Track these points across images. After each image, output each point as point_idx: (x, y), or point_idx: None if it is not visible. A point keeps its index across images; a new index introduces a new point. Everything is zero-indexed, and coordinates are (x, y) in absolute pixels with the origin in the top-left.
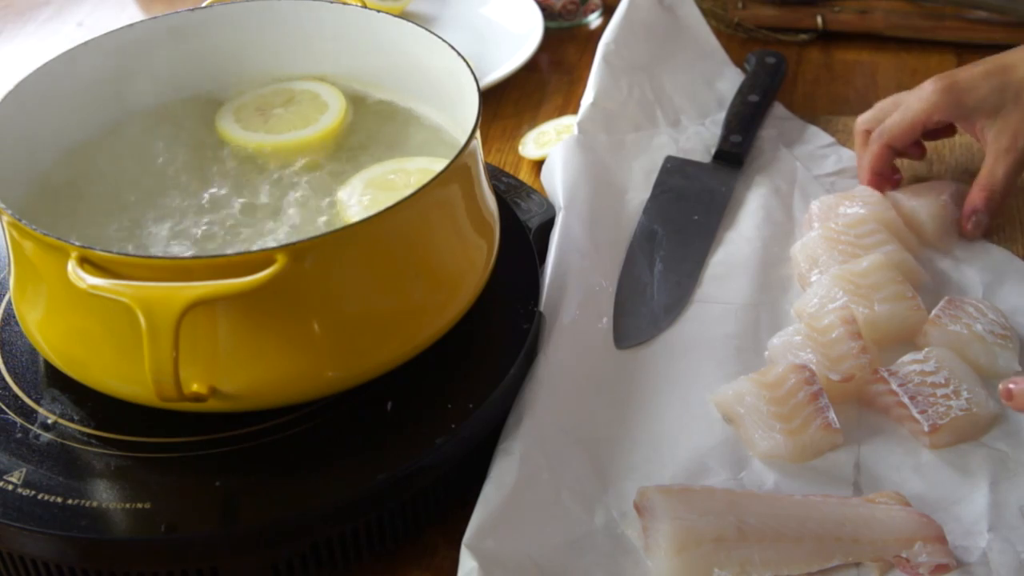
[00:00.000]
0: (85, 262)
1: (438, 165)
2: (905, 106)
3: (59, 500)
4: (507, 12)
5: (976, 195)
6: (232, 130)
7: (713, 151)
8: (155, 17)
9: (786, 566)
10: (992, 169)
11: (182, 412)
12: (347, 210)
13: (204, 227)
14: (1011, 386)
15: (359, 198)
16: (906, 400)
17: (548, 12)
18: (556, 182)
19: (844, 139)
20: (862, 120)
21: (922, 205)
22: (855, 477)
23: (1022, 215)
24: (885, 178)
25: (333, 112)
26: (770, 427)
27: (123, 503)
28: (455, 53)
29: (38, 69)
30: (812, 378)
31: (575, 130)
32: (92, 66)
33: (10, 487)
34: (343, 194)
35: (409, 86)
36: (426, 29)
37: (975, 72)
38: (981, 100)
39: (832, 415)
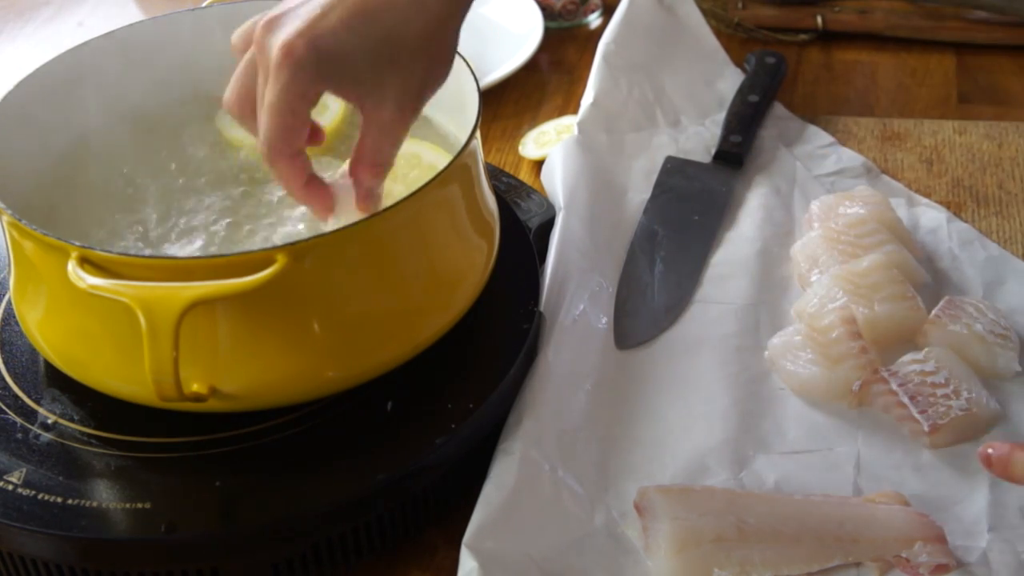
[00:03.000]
0: (85, 262)
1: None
2: (269, 108)
3: (59, 500)
4: (507, 12)
5: (366, 172)
6: (232, 130)
7: (713, 151)
8: (155, 17)
9: (786, 566)
10: (378, 144)
11: (182, 412)
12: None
13: (204, 226)
14: (989, 451)
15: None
16: (906, 400)
17: (548, 12)
18: (556, 182)
19: (844, 139)
20: (228, 104)
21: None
22: (855, 477)
23: (1022, 215)
24: (320, 186)
25: (332, 112)
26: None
27: (123, 503)
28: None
29: (38, 69)
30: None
31: (575, 130)
32: (92, 66)
33: (10, 487)
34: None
35: None
36: None
37: (334, 23)
38: (357, 70)
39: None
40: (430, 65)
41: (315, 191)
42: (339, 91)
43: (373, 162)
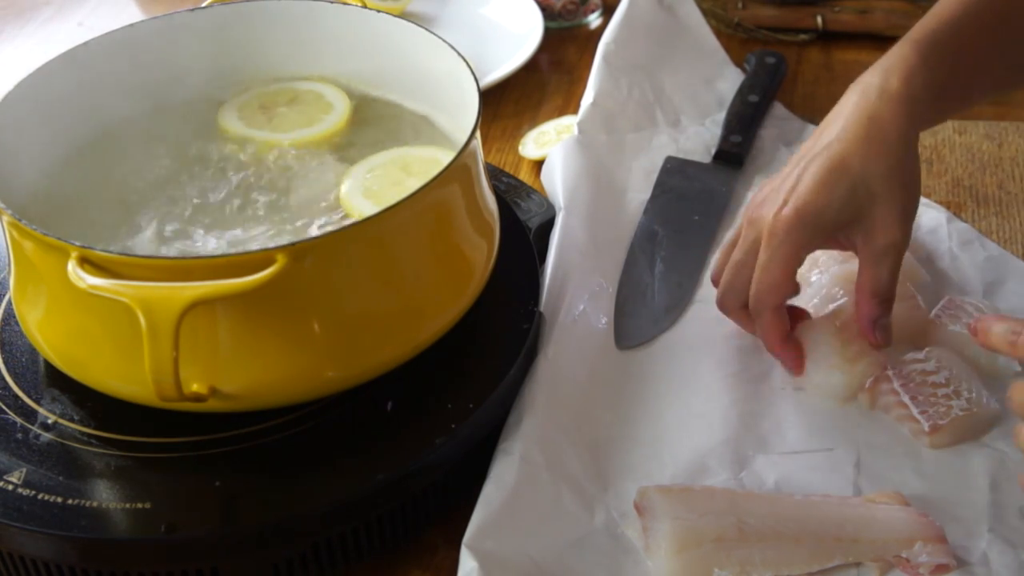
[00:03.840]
0: (85, 262)
1: (440, 154)
2: (762, 267)
3: (59, 500)
4: (507, 12)
5: (871, 306)
6: (235, 127)
7: (713, 151)
8: (155, 17)
9: (786, 566)
10: (876, 274)
11: (182, 412)
12: (351, 202)
13: (205, 226)
14: (976, 324)
15: (362, 188)
16: (906, 400)
17: (548, 12)
18: (556, 182)
19: None
20: (724, 300)
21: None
22: (855, 477)
23: (1022, 215)
24: (795, 344)
25: (337, 112)
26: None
27: (123, 503)
28: (455, 53)
29: (38, 69)
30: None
31: (575, 130)
32: (92, 66)
33: (10, 487)
34: (345, 185)
35: (409, 86)
36: (426, 29)
37: (814, 186)
38: (838, 217)
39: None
40: (903, 192)
41: (791, 348)
42: (830, 244)
43: (874, 292)
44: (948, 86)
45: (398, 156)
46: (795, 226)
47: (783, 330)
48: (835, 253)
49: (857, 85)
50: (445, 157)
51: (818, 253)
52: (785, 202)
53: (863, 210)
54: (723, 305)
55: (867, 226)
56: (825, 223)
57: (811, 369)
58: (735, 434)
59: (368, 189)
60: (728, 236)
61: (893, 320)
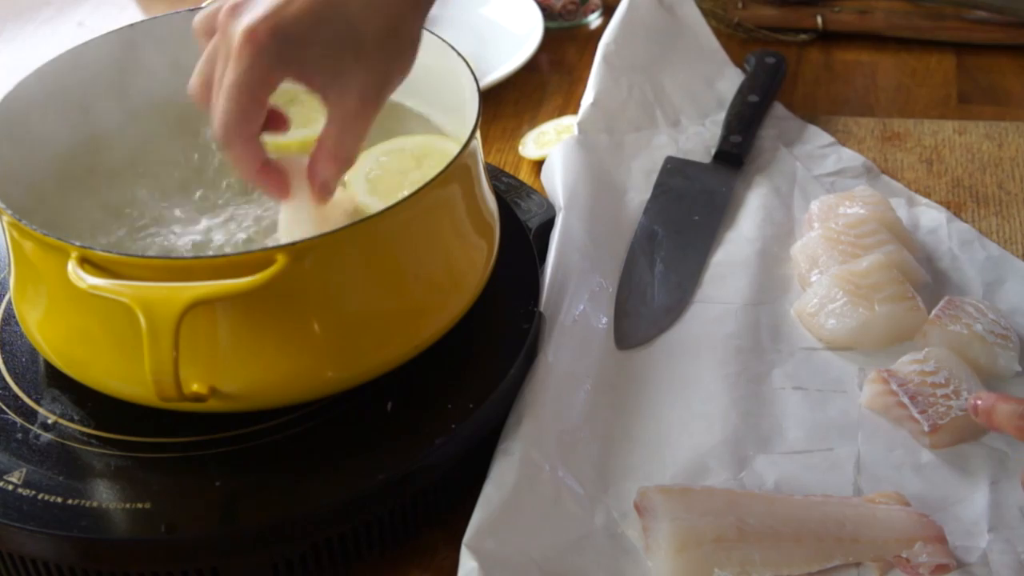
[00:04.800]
0: (85, 262)
1: (437, 141)
2: (226, 84)
3: (59, 500)
4: (507, 12)
5: (327, 166)
6: None
7: (713, 151)
8: (155, 17)
9: (786, 566)
10: (340, 135)
11: (182, 412)
12: (357, 195)
13: (206, 225)
14: (977, 402)
15: (365, 182)
16: (906, 400)
17: (548, 12)
18: (556, 182)
19: (844, 139)
20: (193, 89)
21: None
22: (855, 477)
23: (1022, 216)
24: (275, 170)
25: None
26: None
27: (123, 503)
28: (455, 53)
29: (38, 69)
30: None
31: (575, 130)
32: (92, 66)
33: (10, 487)
34: (348, 179)
35: (409, 86)
36: (426, 29)
37: (297, 11)
38: (318, 58)
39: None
40: (392, 57)
41: (270, 175)
42: (301, 78)
43: (334, 154)
44: None
45: (395, 147)
46: (271, 48)
47: (256, 161)
48: (835, 253)
49: None
50: (448, 145)
51: (818, 252)
52: (264, 18)
53: (345, 63)
54: (224, 136)
55: (345, 81)
56: (305, 58)
57: (838, 323)
58: (735, 434)
59: (373, 183)
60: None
61: (893, 320)
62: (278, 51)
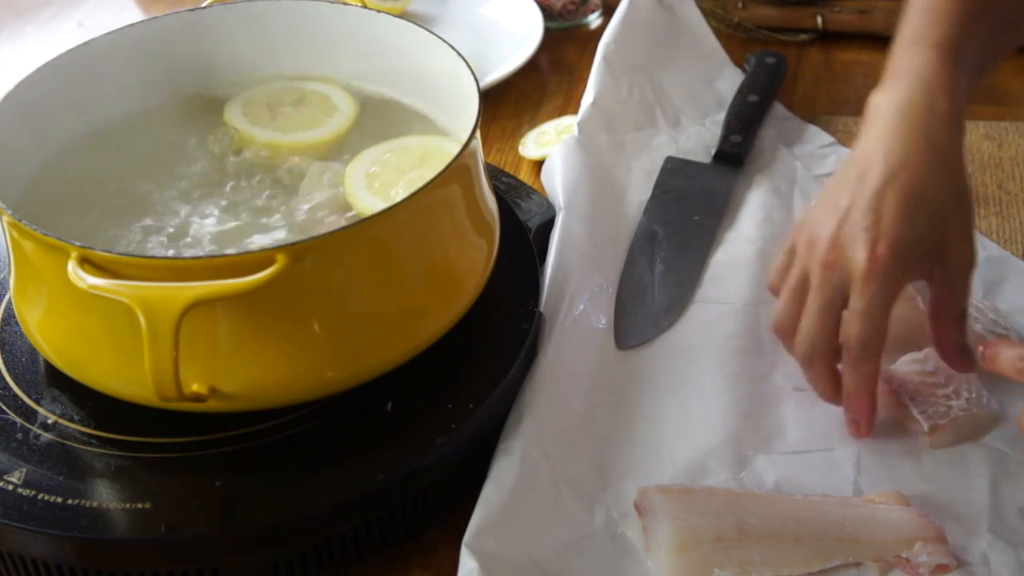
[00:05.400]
0: (85, 262)
1: (441, 143)
2: (864, 313)
3: (59, 500)
4: (507, 12)
5: (954, 331)
6: (240, 124)
7: (713, 151)
8: (155, 17)
9: (786, 566)
10: (956, 298)
11: (182, 412)
12: (354, 192)
13: (206, 225)
14: (981, 347)
15: (365, 177)
16: (906, 400)
17: (548, 12)
18: (556, 182)
19: (844, 139)
20: (813, 352)
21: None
22: (855, 477)
23: (1022, 216)
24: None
25: (342, 116)
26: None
27: (123, 503)
28: (455, 53)
29: (38, 69)
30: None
31: (575, 130)
32: (92, 66)
33: (10, 487)
34: (348, 175)
35: (409, 86)
36: (426, 29)
37: (899, 220)
38: (926, 249)
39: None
40: (969, 211)
41: (872, 402)
42: (916, 278)
43: (954, 316)
44: (974, 86)
45: (399, 146)
46: (892, 265)
47: (877, 377)
48: None
49: (892, 103)
50: (450, 146)
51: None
52: (875, 240)
53: (942, 237)
54: (811, 357)
55: (945, 252)
56: (916, 257)
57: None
58: (735, 434)
59: (371, 180)
60: (774, 270)
61: (893, 320)
62: (898, 266)
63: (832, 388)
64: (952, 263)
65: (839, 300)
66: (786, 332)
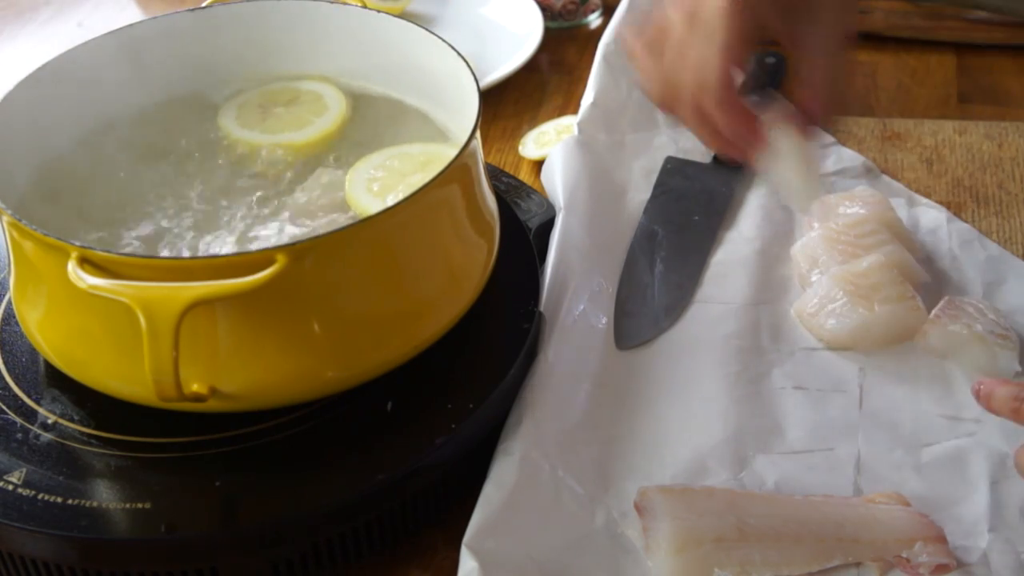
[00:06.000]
0: (85, 262)
1: (442, 149)
2: (700, 50)
3: (59, 500)
4: (507, 12)
5: (827, 104)
6: (233, 126)
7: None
8: (155, 17)
9: (786, 566)
10: (831, 64)
11: (182, 412)
12: (355, 197)
13: (204, 226)
14: (979, 387)
15: (366, 182)
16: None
17: (548, 12)
18: (556, 182)
19: (844, 139)
20: (669, 94)
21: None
22: (855, 477)
23: (1022, 216)
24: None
25: (331, 115)
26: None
27: (123, 503)
28: (455, 53)
29: (38, 69)
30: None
31: (575, 130)
32: (92, 66)
33: (10, 487)
34: (349, 180)
35: (409, 86)
36: (426, 29)
37: None
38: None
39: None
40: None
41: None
42: (771, 33)
43: (831, 85)
44: None
45: (401, 152)
46: (734, 8)
47: (749, 114)
48: (835, 253)
49: None
50: (451, 152)
51: (818, 252)
52: None
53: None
54: (674, 97)
55: (813, 7)
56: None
57: (839, 323)
58: (735, 434)
59: (372, 185)
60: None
61: (893, 320)
62: (756, 4)
63: (701, 125)
64: (825, 25)
65: (695, 39)
66: (646, 78)
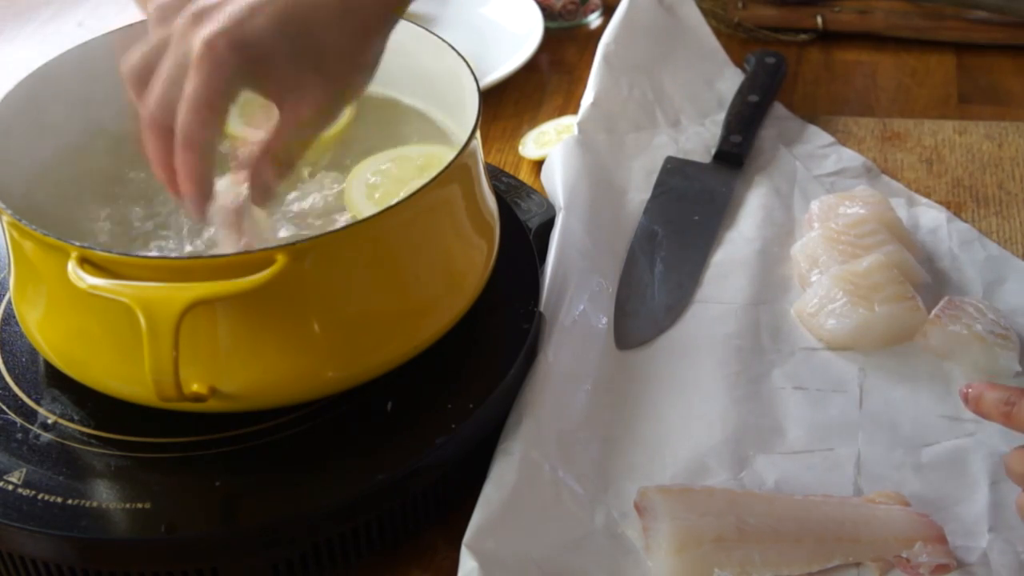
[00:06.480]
0: (85, 262)
1: (442, 152)
2: (187, 94)
3: (59, 500)
4: (507, 12)
5: (269, 168)
6: (235, 125)
7: (713, 151)
8: None
9: (786, 566)
10: (289, 144)
11: (182, 412)
12: (355, 200)
13: (205, 225)
14: (968, 390)
15: (366, 187)
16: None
17: (548, 12)
18: (556, 182)
19: (844, 139)
20: (155, 117)
21: None
22: (855, 477)
23: (1022, 216)
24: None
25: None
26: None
27: (123, 503)
28: (455, 53)
29: (38, 69)
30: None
31: (575, 130)
32: (92, 66)
33: (10, 487)
34: (349, 184)
35: (409, 86)
36: (426, 29)
37: (262, 24)
38: (280, 68)
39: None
40: (352, 74)
41: (204, 190)
42: (259, 90)
43: (280, 160)
44: None
45: (400, 155)
46: (230, 62)
47: (206, 171)
48: (835, 253)
49: None
50: (449, 155)
51: (818, 252)
52: (225, 31)
53: (305, 76)
54: (154, 122)
55: (302, 93)
56: (266, 72)
57: (839, 323)
58: (735, 434)
59: (372, 190)
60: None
61: (893, 320)
62: (238, 64)
63: (161, 166)
64: (303, 105)
65: (182, 75)
66: (132, 83)
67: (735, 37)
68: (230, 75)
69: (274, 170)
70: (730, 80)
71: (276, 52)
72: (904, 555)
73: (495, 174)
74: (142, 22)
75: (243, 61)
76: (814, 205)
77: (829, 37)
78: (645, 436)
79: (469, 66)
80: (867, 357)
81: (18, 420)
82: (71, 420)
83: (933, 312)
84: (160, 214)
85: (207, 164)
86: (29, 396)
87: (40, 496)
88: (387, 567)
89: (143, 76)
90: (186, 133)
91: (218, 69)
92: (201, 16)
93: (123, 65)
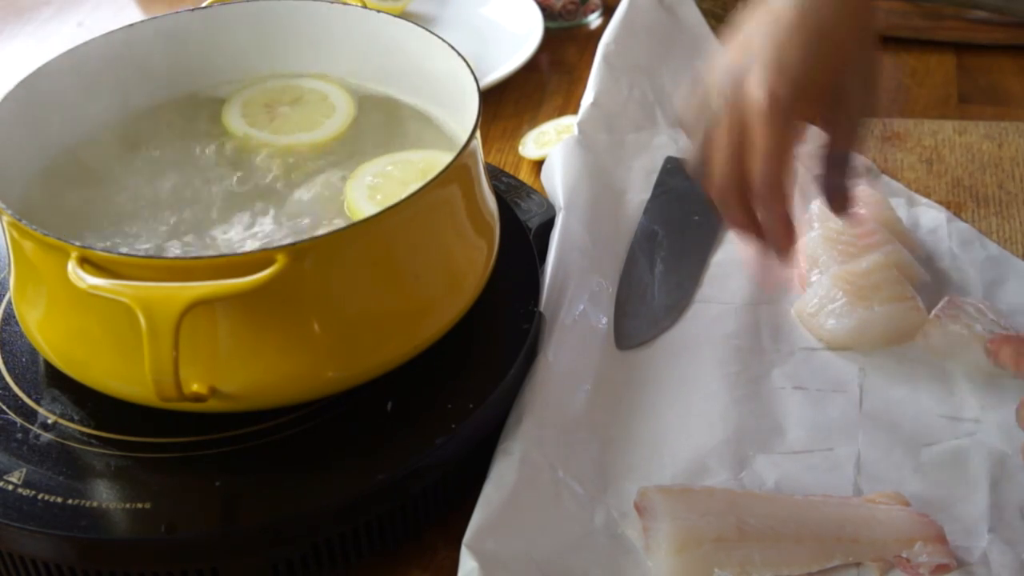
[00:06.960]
0: (85, 262)
1: (443, 157)
2: (764, 150)
3: (59, 500)
4: (507, 12)
5: (843, 174)
6: (238, 125)
7: None
8: (155, 17)
9: (786, 566)
10: (851, 141)
11: (182, 412)
12: (355, 203)
13: (205, 226)
14: (990, 345)
15: (367, 189)
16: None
17: (548, 12)
18: (556, 182)
19: None
20: (727, 193)
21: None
22: (855, 477)
23: (1022, 216)
24: (792, 231)
25: (340, 117)
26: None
27: (123, 503)
28: (455, 53)
29: (38, 69)
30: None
31: (575, 130)
32: (92, 66)
33: (10, 487)
34: (349, 187)
35: (409, 86)
36: (426, 29)
37: (799, 55)
38: (821, 89)
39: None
40: (867, 53)
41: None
42: (810, 119)
43: (847, 160)
44: None
45: (402, 159)
46: (789, 105)
47: (791, 212)
48: (835, 253)
49: None
50: (448, 159)
51: (818, 252)
52: (774, 81)
53: (840, 80)
54: (723, 196)
55: (843, 94)
56: (812, 96)
57: (838, 323)
58: (735, 434)
59: (373, 193)
60: (685, 105)
61: (893, 320)
62: (795, 103)
63: (746, 225)
64: (849, 107)
65: (744, 140)
66: (700, 174)
67: None
68: (793, 116)
69: (839, 172)
70: None
71: (814, 76)
72: (904, 555)
73: (495, 174)
74: (142, 22)
75: (796, 100)
76: (814, 205)
77: None
78: (645, 436)
79: (469, 66)
80: (867, 357)
81: (18, 420)
82: (71, 420)
83: (933, 312)
84: (161, 213)
85: (791, 208)
86: (29, 396)
87: (40, 496)
88: (387, 567)
89: (703, 168)
90: (768, 183)
91: (785, 115)
92: (726, 83)
93: (688, 168)
